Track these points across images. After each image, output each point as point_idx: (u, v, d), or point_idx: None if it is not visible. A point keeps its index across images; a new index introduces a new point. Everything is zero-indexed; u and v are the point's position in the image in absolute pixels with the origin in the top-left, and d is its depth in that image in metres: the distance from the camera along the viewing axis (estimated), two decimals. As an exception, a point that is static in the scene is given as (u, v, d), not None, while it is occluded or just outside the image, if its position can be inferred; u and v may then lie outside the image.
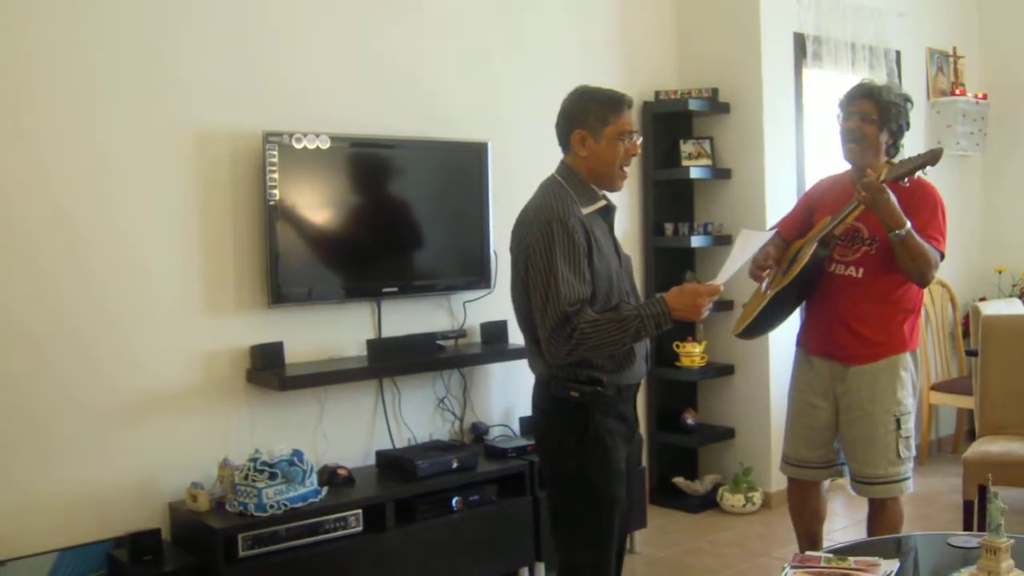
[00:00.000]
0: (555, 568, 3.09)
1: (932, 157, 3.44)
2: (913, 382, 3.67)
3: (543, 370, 2.97)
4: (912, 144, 6.20)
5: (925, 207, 3.53)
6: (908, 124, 3.66)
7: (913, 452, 3.67)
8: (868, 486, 3.63)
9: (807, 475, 3.79)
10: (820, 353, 3.71)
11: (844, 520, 5.10)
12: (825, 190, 3.83)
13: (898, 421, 3.58)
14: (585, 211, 2.92)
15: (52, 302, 3.57)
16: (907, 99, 3.65)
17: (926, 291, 6.19)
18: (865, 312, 3.59)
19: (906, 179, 3.45)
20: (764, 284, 3.76)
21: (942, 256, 3.52)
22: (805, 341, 3.80)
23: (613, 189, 3.04)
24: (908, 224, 3.38)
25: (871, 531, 3.71)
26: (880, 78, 5.88)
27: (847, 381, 3.63)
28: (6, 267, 3.48)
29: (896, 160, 3.62)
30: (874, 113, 3.56)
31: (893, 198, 3.37)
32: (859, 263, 3.59)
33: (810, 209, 3.80)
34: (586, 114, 2.95)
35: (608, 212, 3.03)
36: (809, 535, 3.88)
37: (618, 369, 2.94)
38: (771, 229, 3.48)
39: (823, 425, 3.71)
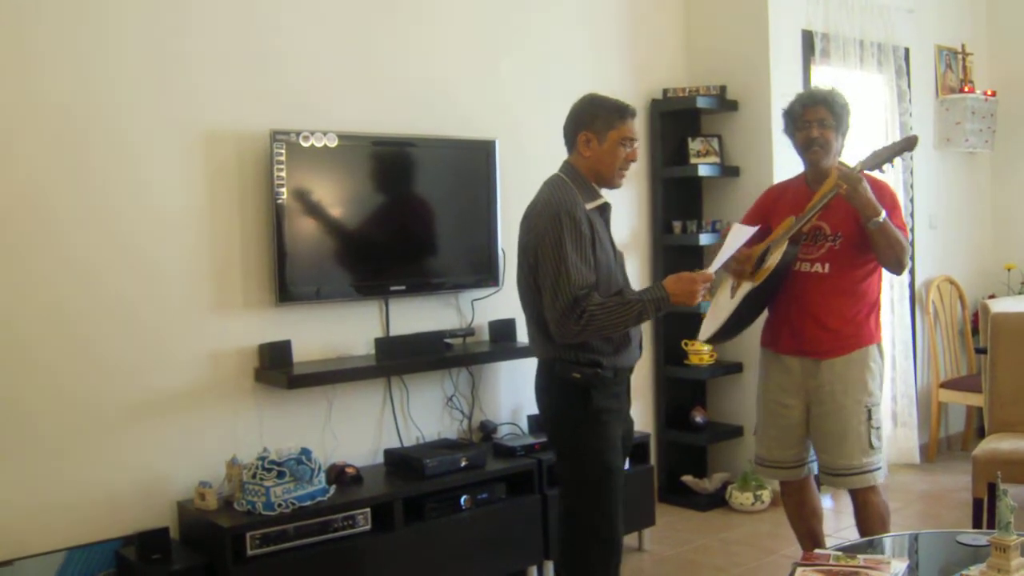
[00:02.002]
0: (568, 538, 3.27)
1: (908, 144, 3.58)
2: (881, 374, 3.75)
3: (547, 354, 3.21)
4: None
5: (884, 199, 3.60)
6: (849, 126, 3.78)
7: (884, 443, 3.76)
8: (842, 477, 3.68)
9: (783, 475, 3.87)
10: (792, 351, 3.75)
11: (851, 518, 5.07)
12: (778, 196, 3.91)
13: (869, 412, 3.66)
14: (588, 207, 3.14)
15: (59, 302, 3.58)
16: (848, 101, 3.76)
17: (935, 289, 6.27)
18: (834, 306, 3.67)
19: (882, 167, 3.55)
20: (729, 287, 3.78)
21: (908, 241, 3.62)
22: (773, 341, 3.83)
23: (612, 187, 3.27)
24: (884, 212, 3.47)
25: (860, 526, 3.76)
26: (888, 75, 5.90)
27: (819, 375, 3.68)
28: (13, 267, 3.49)
29: (846, 161, 3.71)
30: (830, 118, 3.67)
31: (869, 188, 3.47)
32: (824, 259, 3.66)
33: (764, 215, 3.85)
34: (593, 118, 3.21)
35: (605, 210, 3.26)
36: (810, 535, 3.92)
37: (615, 352, 3.19)
38: (757, 226, 3.57)
39: (795, 424, 3.77)
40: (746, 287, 3.64)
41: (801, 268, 3.69)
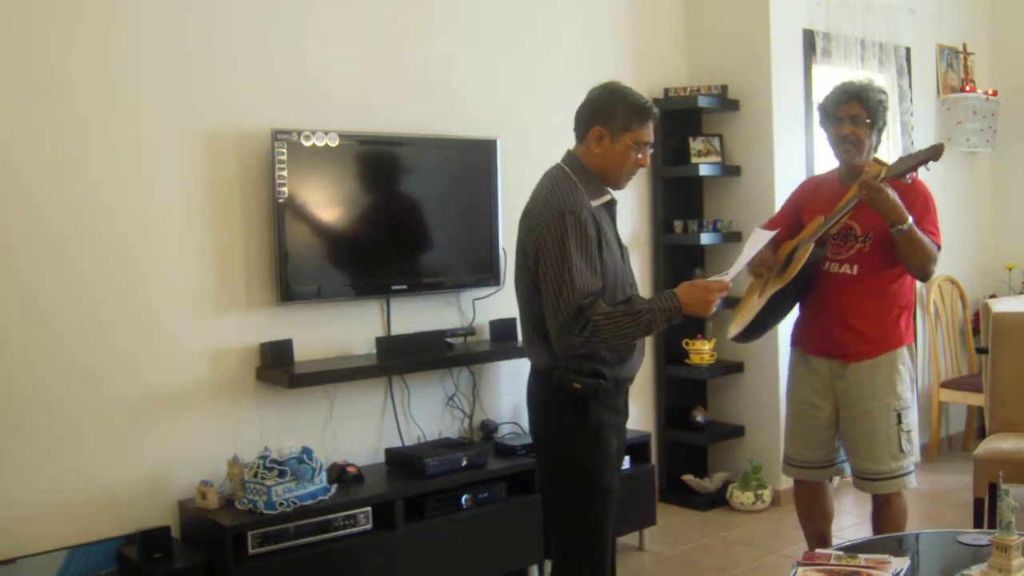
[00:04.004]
0: (555, 561, 3.09)
1: (934, 153, 3.41)
2: (911, 376, 3.69)
3: (545, 361, 2.98)
4: (922, 142, 6.21)
5: (918, 202, 3.53)
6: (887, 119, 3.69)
7: (915, 446, 3.69)
8: (872, 482, 3.64)
9: (810, 475, 3.81)
10: (819, 352, 3.71)
11: (853, 518, 5.09)
12: (812, 191, 3.86)
13: (899, 416, 3.60)
14: (594, 204, 2.94)
15: (59, 300, 3.58)
16: (886, 93, 3.68)
17: (936, 288, 6.27)
18: (862, 309, 3.61)
19: (907, 176, 3.46)
20: (759, 286, 3.77)
21: (939, 249, 3.53)
22: (802, 341, 3.80)
23: (615, 188, 3.07)
24: (910, 219, 3.39)
25: (876, 527, 3.73)
26: (890, 75, 5.89)
27: (847, 378, 3.64)
28: (17, 264, 3.49)
29: (881, 157, 3.66)
30: (864, 116, 3.57)
31: (894, 194, 3.39)
32: (854, 260, 3.60)
33: (798, 210, 3.81)
34: (612, 114, 2.96)
35: (611, 206, 3.06)
36: (819, 536, 3.88)
37: (620, 362, 2.98)
38: (776, 230, 3.53)
39: (824, 424, 3.73)
40: (772, 286, 3.60)
41: (830, 269, 3.63)
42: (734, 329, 3.76)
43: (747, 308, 3.75)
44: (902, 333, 3.66)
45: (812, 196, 3.79)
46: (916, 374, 3.78)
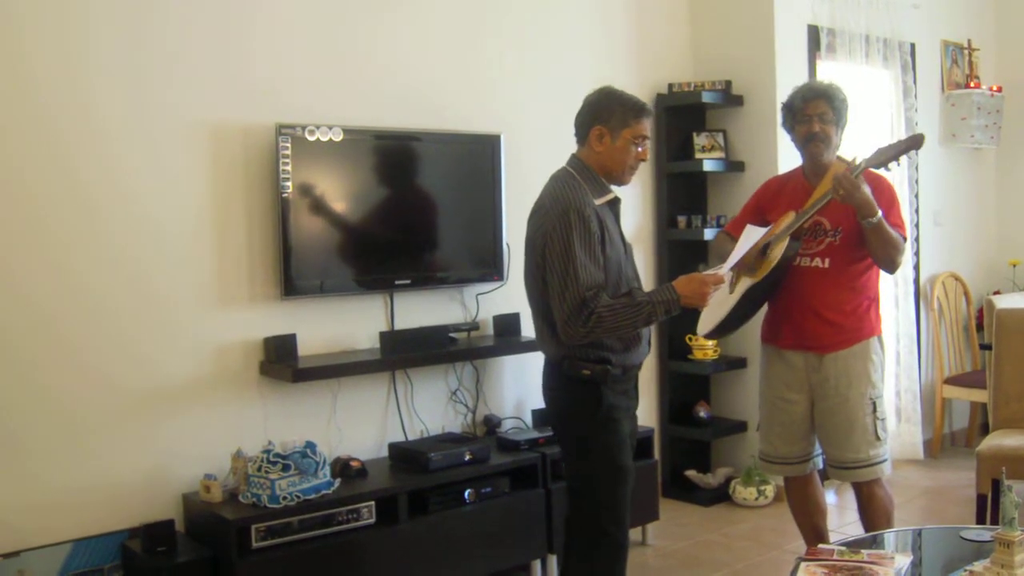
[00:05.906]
0: (575, 538, 3.24)
1: (914, 142, 3.56)
2: (882, 366, 3.77)
3: (556, 352, 3.16)
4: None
5: (883, 197, 3.60)
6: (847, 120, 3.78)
7: (889, 434, 3.77)
8: (849, 470, 3.69)
9: (789, 471, 3.87)
10: (794, 346, 3.75)
11: (855, 514, 5.07)
12: (776, 190, 3.90)
13: (874, 404, 3.67)
14: (597, 202, 3.10)
15: (65, 296, 3.59)
16: (846, 94, 3.77)
17: (940, 285, 6.27)
18: (835, 300, 3.68)
19: (887, 166, 3.54)
20: (728, 282, 3.78)
21: (904, 240, 3.62)
22: (774, 336, 3.84)
23: (621, 184, 3.24)
24: (880, 212, 3.47)
25: (865, 519, 3.78)
26: (894, 71, 5.89)
27: (822, 370, 3.69)
28: (23, 259, 3.50)
29: (843, 155, 3.71)
30: (830, 113, 3.67)
31: (867, 188, 3.46)
32: (824, 254, 3.67)
33: (761, 210, 3.85)
34: (610, 113, 3.15)
35: (615, 204, 3.22)
36: (813, 529, 3.92)
37: (625, 350, 3.16)
38: (768, 226, 3.57)
39: (799, 419, 3.78)
40: (745, 282, 3.62)
41: (801, 263, 3.68)
42: (705, 326, 3.78)
43: (717, 304, 3.75)
44: (873, 323, 3.74)
45: (777, 195, 3.85)
46: (886, 365, 3.85)
